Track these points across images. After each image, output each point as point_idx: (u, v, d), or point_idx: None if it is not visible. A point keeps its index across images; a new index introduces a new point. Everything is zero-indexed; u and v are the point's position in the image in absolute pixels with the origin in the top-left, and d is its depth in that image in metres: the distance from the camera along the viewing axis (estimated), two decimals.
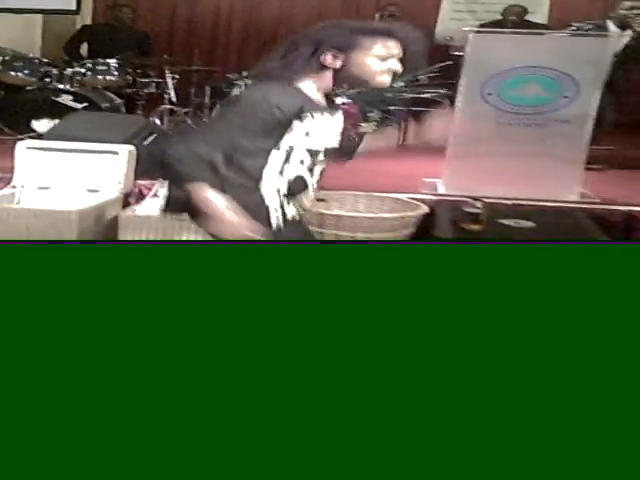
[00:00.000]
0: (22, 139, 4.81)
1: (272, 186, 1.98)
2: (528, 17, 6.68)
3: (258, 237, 1.85)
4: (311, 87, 1.98)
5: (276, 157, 1.95)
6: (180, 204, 1.98)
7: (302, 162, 2.00)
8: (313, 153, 2.01)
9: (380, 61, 1.95)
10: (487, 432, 1.38)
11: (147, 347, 1.40)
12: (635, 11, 4.93)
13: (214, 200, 1.84)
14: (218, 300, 1.40)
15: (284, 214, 2.03)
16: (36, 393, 1.38)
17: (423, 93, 5.37)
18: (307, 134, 1.96)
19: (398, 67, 1.97)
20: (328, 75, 1.98)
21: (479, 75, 3.85)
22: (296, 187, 2.03)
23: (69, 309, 1.39)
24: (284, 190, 2.01)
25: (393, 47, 1.95)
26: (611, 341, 1.37)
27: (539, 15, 7.14)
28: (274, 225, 2.00)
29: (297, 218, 2.11)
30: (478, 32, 3.97)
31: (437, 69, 5.40)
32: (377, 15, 6.35)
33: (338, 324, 1.39)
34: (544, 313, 1.38)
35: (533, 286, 1.39)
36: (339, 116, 2.09)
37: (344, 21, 2.02)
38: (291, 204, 2.06)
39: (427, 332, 1.39)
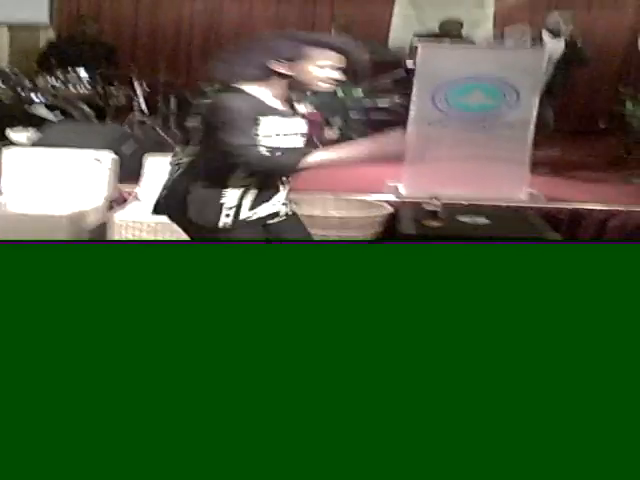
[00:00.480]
0: None
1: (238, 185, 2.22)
2: (473, 30, 7.12)
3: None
4: (265, 93, 2.20)
5: None
6: (162, 208, 2.33)
7: None
8: (280, 151, 2.21)
9: (322, 70, 2.20)
10: (483, 431, 1.40)
11: (136, 347, 1.42)
12: (561, 22, 5.37)
13: None
14: (205, 299, 1.43)
15: (237, 213, 2.24)
16: (30, 392, 1.41)
17: (380, 100, 5.71)
18: (267, 136, 2.18)
19: (337, 76, 2.23)
20: (279, 82, 2.21)
21: (429, 84, 4.18)
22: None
23: (63, 309, 1.42)
24: (254, 187, 2.24)
25: (334, 58, 2.20)
26: (603, 341, 1.41)
27: (483, 28, 7.57)
28: (221, 223, 2.21)
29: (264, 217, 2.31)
30: (425, 45, 4.32)
31: (392, 79, 5.76)
32: (333, 28, 6.64)
33: (326, 324, 1.43)
34: (537, 313, 1.42)
35: (525, 286, 1.43)
36: (300, 121, 2.33)
37: (293, 32, 2.27)
38: (262, 205, 2.28)
39: (413, 332, 1.42)
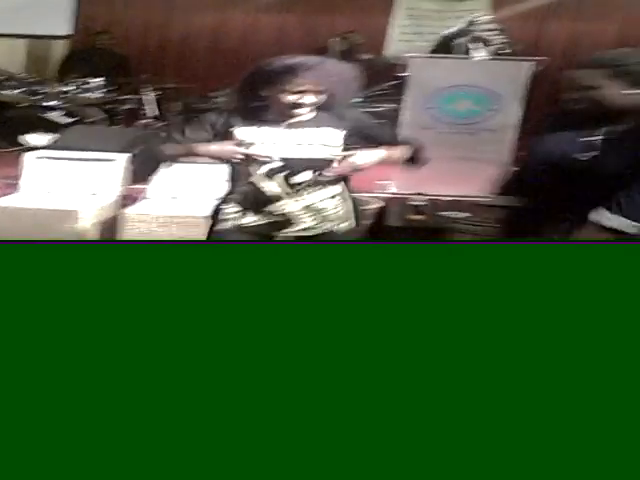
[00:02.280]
0: (14, 151, 5.41)
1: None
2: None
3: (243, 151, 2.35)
4: (260, 113, 2.43)
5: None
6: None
7: (283, 170, 2.41)
8: (293, 162, 2.40)
9: (294, 95, 2.35)
10: (487, 432, 1.40)
11: (139, 347, 1.42)
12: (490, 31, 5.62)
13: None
14: (210, 299, 1.44)
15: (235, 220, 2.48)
16: (29, 392, 1.43)
17: (377, 107, 6.04)
18: (262, 143, 2.39)
19: (312, 100, 2.38)
20: (266, 104, 2.42)
21: (420, 92, 4.55)
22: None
23: (65, 308, 1.43)
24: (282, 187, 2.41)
25: (308, 83, 2.35)
26: (607, 341, 1.40)
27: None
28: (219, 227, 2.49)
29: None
30: (415, 57, 4.67)
31: (387, 87, 6.10)
32: (336, 39, 6.97)
33: (329, 322, 1.43)
34: (539, 313, 1.41)
35: (526, 286, 1.42)
36: (308, 132, 2.43)
37: (272, 61, 2.37)
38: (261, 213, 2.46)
39: (417, 332, 1.42)
